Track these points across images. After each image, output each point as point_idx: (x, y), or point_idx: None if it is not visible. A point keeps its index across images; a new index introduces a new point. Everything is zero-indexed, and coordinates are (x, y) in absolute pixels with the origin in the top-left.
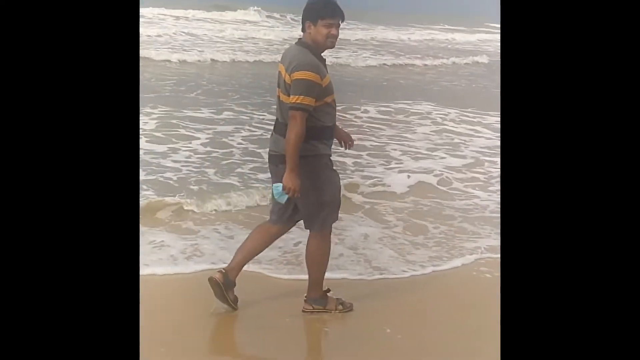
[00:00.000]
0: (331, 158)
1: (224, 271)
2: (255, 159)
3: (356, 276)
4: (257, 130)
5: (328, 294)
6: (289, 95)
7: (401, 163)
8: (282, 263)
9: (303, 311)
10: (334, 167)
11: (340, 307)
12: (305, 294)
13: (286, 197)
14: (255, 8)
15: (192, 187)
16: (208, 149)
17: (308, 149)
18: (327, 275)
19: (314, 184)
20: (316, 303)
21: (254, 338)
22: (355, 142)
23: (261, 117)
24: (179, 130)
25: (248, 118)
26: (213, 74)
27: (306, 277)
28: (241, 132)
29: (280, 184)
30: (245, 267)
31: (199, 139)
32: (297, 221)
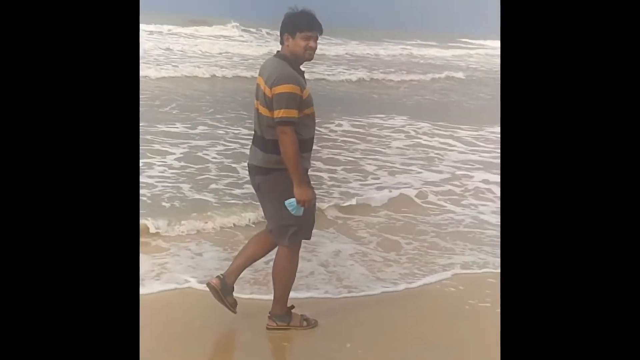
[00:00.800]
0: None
1: (221, 276)
2: (230, 173)
3: (323, 294)
4: (232, 144)
5: (292, 310)
6: (268, 109)
7: (377, 178)
8: (249, 282)
9: (267, 328)
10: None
11: (304, 323)
12: (270, 311)
13: (302, 209)
14: (234, 24)
15: (164, 203)
16: (182, 164)
17: (282, 162)
18: (298, 294)
19: (287, 198)
20: (280, 320)
21: (215, 356)
22: (330, 157)
23: (236, 131)
24: (153, 145)
25: (223, 132)
26: (189, 89)
27: (265, 296)
28: (216, 147)
29: (293, 199)
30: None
31: (173, 154)
32: None
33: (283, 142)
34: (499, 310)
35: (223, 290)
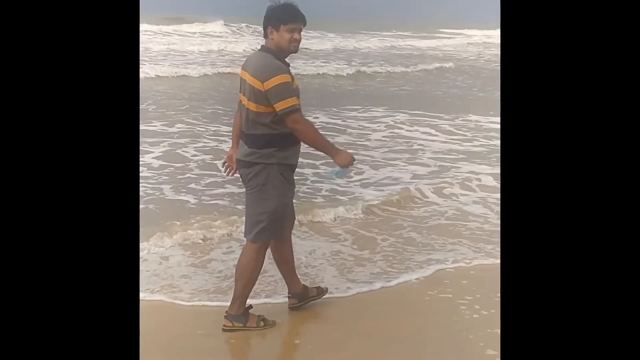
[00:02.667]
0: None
1: (290, 294)
2: (212, 172)
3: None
4: (211, 142)
5: (250, 310)
6: (257, 103)
7: (361, 173)
8: (208, 292)
9: (223, 329)
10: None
11: (261, 323)
12: (226, 310)
13: (347, 171)
14: (224, 22)
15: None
16: (162, 162)
17: (265, 157)
18: (267, 300)
19: (263, 193)
20: (236, 320)
21: None
22: (309, 151)
23: (215, 129)
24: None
25: (204, 130)
26: (162, 87)
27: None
28: (196, 144)
29: (336, 168)
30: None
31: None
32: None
33: (300, 131)
34: (460, 300)
35: (301, 299)
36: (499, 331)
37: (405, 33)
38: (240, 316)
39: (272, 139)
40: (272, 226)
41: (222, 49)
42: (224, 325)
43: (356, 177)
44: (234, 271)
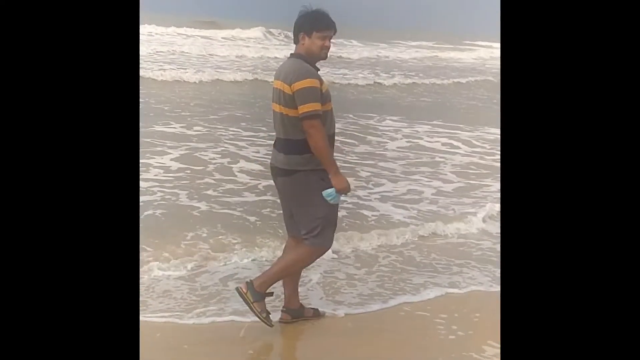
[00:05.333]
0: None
1: (284, 309)
2: (229, 177)
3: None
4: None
5: (266, 297)
6: (290, 108)
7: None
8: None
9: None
10: None
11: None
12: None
13: (340, 197)
14: (264, 29)
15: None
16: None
17: (304, 163)
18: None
19: (310, 197)
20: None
21: None
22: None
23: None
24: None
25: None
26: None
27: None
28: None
29: (331, 189)
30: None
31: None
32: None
33: (312, 136)
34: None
35: (295, 316)
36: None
37: (428, 43)
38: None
39: (307, 143)
40: (327, 231)
41: (263, 55)
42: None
43: (376, 190)
44: (277, 267)
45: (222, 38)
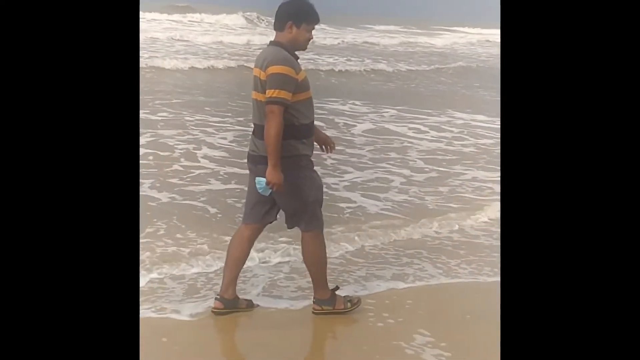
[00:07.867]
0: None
1: (219, 297)
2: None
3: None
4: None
5: (336, 292)
6: (263, 94)
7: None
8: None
9: (313, 312)
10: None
11: (348, 304)
12: (314, 295)
13: (270, 190)
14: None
15: None
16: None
17: (286, 149)
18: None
19: (296, 183)
20: (325, 304)
21: None
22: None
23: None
24: None
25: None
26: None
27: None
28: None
29: (263, 179)
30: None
31: None
32: (271, 222)
33: (268, 121)
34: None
35: (228, 306)
36: None
37: (397, 27)
38: (328, 300)
39: (293, 130)
40: (319, 212)
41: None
42: (314, 309)
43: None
44: (305, 263)
45: (189, 22)
